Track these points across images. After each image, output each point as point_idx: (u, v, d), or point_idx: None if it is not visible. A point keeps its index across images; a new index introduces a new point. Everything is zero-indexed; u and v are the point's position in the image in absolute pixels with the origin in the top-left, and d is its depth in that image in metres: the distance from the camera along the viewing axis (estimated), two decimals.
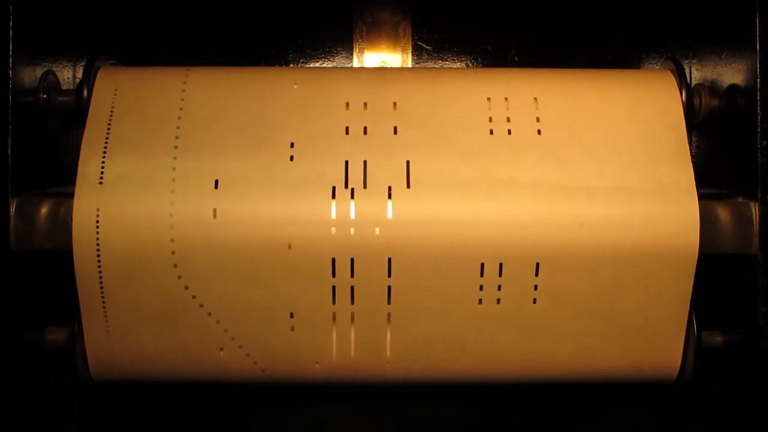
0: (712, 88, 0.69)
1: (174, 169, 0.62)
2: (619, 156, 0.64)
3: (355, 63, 0.81)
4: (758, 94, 0.62)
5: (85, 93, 0.66)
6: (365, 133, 0.64)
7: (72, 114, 0.67)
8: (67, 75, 0.72)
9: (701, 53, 0.72)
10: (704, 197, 0.63)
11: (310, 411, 0.79)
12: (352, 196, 0.62)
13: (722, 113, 0.67)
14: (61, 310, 0.66)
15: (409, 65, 0.80)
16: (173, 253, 0.61)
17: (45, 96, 0.66)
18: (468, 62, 0.81)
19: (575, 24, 0.81)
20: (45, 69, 0.67)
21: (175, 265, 0.61)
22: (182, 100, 0.65)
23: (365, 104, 0.65)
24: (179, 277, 0.61)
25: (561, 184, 0.62)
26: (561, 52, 0.80)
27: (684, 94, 0.67)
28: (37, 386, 0.68)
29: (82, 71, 0.68)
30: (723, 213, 0.64)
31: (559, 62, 0.77)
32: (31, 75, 0.65)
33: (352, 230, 0.61)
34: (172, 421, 0.79)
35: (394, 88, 0.66)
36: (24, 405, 0.65)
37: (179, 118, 0.64)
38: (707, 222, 0.63)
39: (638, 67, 0.80)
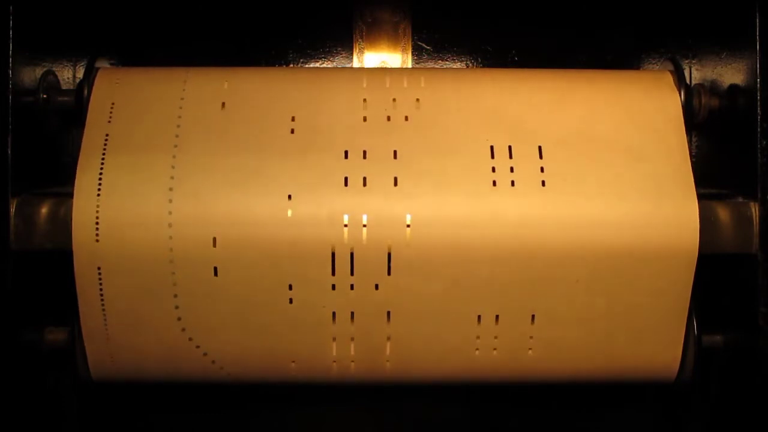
0: (711, 88, 0.69)
1: (173, 167, 0.62)
2: (619, 156, 0.64)
3: (355, 63, 0.81)
4: (758, 94, 0.62)
5: (85, 93, 0.66)
6: (365, 185, 0.63)
7: (72, 114, 0.67)
8: (67, 75, 0.72)
9: (701, 53, 0.72)
10: (704, 197, 0.63)
11: (310, 411, 0.79)
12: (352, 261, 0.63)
13: (722, 113, 0.67)
14: (61, 310, 0.66)
15: (409, 65, 0.80)
16: (171, 250, 0.61)
17: (45, 96, 0.66)
18: (468, 62, 0.81)
19: (575, 24, 0.81)
20: (45, 69, 0.67)
21: (171, 261, 0.61)
22: (182, 99, 0.65)
23: (365, 152, 0.64)
24: (172, 268, 0.61)
25: (560, 183, 0.62)
26: (561, 52, 0.80)
27: (683, 94, 0.67)
28: (37, 386, 0.68)
29: (82, 71, 0.68)
30: (723, 213, 0.64)
31: (559, 62, 0.77)
32: (31, 75, 0.65)
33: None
34: (172, 421, 0.79)
35: (394, 135, 0.64)
36: (24, 405, 0.65)
37: (179, 116, 0.64)
38: (707, 222, 0.63)
39: (638, 67, 0.80)
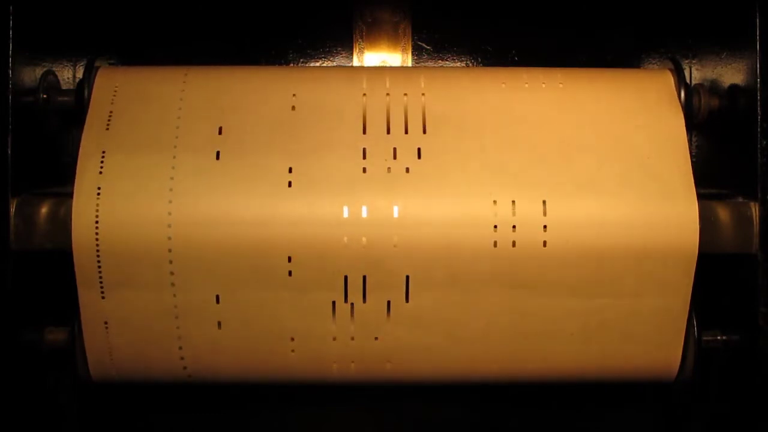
0: (711, 88, 0.69)
1: (173, 168, 0.62)
2: (619, 156, 0.64)
3: (355, 63, 0.81)
4: (758, 94, 0.62)
5: (85, 93, 0.66)
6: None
7: (72, 114, 0.67)
8: (67, 75, 0.72)
9: (701, 53, 0.72)
10: (704, 197, 0.63)
11: (310, 411, 0.79)
12: (352, 313, 0.63)
13: (722, 113, 0.67)
14: (61, 310, 0.66)
15: (409, 65, 0.80)
16: (170, 251, 0.61)
17: (45, 96, 0.66)
18: (468, 62, 0.81)
19: (575, 24, 0.81)
20: (45, 69, 0.67)
21: (171, 261, 0.61)
22: (181, 99, 0.65)
23: (365, 210, 0.63)
24: (171, 268, 0.61)
25: (560, 183, 0.62)
26: (561, 52, 0.80)
27: (683, 94, 0.67)
28: (37, 386, 0.68)
29: (82, 71, 0.68)
30: (723, 213, 0.64)
31: (559, 62, 0.77)
32: (31, 75, 0.65)
33: None
34: (171, 421, 0.79)
35: (395, 190, 0.63)
36: (24, 405, 0.65)
37: (178, 117, 0.64)
38: (707, 222, 0.63)
39: (638, 67, 0.80)
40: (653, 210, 0.62)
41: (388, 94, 0.65)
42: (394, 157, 0.63)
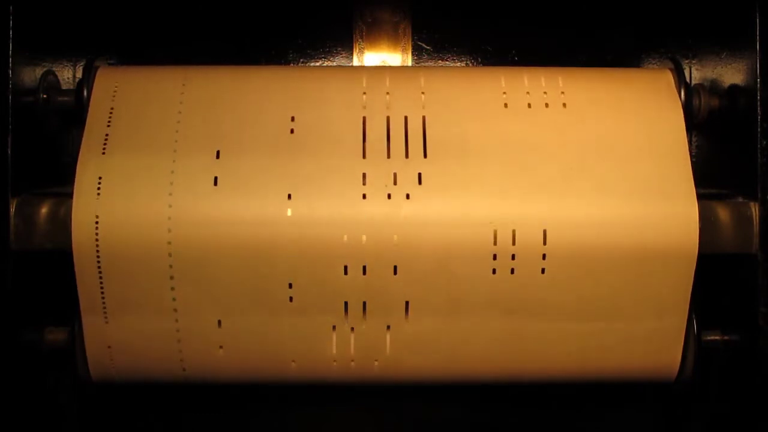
0: (711, 88, 0.69)
1: (173, 167, 0.62)
2: (619, 156, 0.64)
3: (355, 63, 0.81)
4: (758, 94, 0.62)
5: (85, 93, 0.66)
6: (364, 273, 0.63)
7: (72, 114, 0.67)
8: (67, 75, 0.72)
9: (701, 53, 0.72)
10: (704, 197, 0.63)
11: (310, 411, 0.79)
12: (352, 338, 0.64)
13: (722, 113, 0.67)
14: (61, 310, 0.66)
15: (409, 65, 0.80)
16: (170, 251, 0.61)
17: (45, 96, 0.66)
18: (468, 62, 0.81)
19: (575, 24, 0.81)
20: (45, 69, 0.67)
21: (170, 263, 0.61)
22: (181, 99, 0.65)
23: (364, 238, 0.63)
24: (171, 268, 0.61)
25: (561, 184, 0.62)
26: (561, 52, 0.80)
27: (683, 94, 0.67)
28: (37, 386, 0.68)
29: (81, 71, 0.68)
30: (723, 213, 0.64)
31: (559, 62, 0.77)
32: (31, 75, 0.65)
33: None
34: (171, 421, 0.79)
35: (396, 218, 0.62)
36: (24, 405, 0.65)
37: (179, 116, 0.64)
38: (707, 222, 0.63)
39: (638, 67, 0.80)
40: (653, 210, 0.62)
41: (388, 117, 0.64)
42: (395, 183, 0.62)
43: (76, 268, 0.61)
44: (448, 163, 0.63)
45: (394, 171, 0.62)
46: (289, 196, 0.62)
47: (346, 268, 0.62)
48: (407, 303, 0.63)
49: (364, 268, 0.62)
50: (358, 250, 0.62)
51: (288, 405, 0.78)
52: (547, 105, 0.66)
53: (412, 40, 0.81)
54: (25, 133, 0.63)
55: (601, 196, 0.62)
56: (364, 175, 0.62)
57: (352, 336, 0.64)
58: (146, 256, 0.61)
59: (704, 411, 0.72)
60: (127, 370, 0.66)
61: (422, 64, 0.81)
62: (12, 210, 0.62)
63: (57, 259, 0.62)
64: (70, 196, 0.62)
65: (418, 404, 0.78)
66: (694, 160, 0.69)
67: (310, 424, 0.79)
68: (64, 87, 0.70)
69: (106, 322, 0.63)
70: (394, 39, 0.81)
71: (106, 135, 0.64)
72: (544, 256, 0.62)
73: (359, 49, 0.80)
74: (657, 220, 0.62)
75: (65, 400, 0.73)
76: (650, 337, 0.65)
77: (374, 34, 0.81)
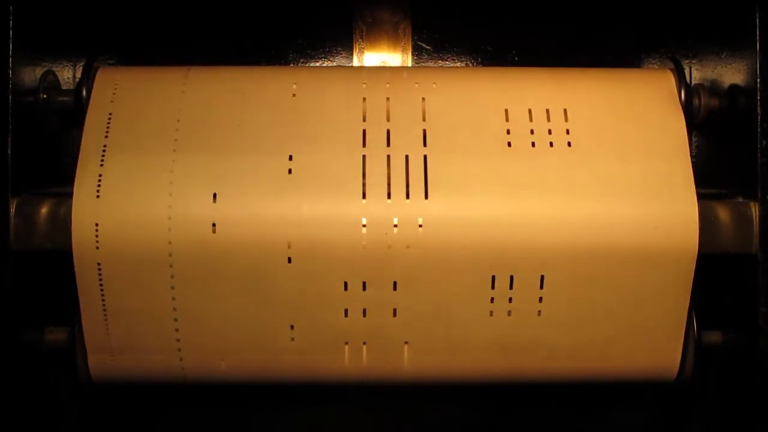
0: (711, 88, 0.69)
1: (173, 168, 0.62)
2: (619, 156, 0.64)
3: (355, 63, 0.81)
4: (758, 94, 0.62)
5: (85, 93, 0.66)
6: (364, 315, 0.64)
7: (72, 114, 0.67)
8: (67, 75, 0.72)
9: (701, 53, 0.72)
10: (704, 197, 0.63)
11: (310, 411, 0.79)
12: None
13: (722, 113, 0.67)
14: (61, 310, 0.66)
15: (410, 65, 0.80)
16: (170, 251, 0.61)
17: (45, 96, 0.66)
18: (468, 62, 0.81)
19: (575, 24, 0.81)
20: (45, 69, 0.67)
21: (171, 263, 0.61)
22: (182, 101, 0.65)
23: (364, 284, 0.63)
24: (171, 268, 0.62)
25: (560, 184, 0.62)
26: (561, 52, 0.80)
27: (683, 94, 0.67)
28: (37, 386, 0.68)
29: (81, 71, 0.68)
30: (723, 213, 0.64)
31: (559, 62, 0.77)
32: (31, 75, 0.65)
33: None
34: (171, 421, 0.79)
35: (395, 266, 0.63)
36: (24, 405, 0.65)
37: (178, 116, 0.64)
38: (707, 222, 0.63)
39: (638, 67, 0.80)
40: (653, 210, 0.62)
41: (389, 156, 0.63)
42: (395, 228, 0.62)
43: (76, 268, 0.61)
44: (448, 206, 0.62)
45: (395, 215, 0.62)
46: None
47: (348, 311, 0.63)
48: (406, 343, 0.64)
49: (364, 311, 0.63)
50: (359, 295, 0.63)
51: (288, 405, 0.78)
52: (537, 117, 0.65)
53: (412, 40, 0.81)
54: (25, 133, 0.63)
55: (601, 196, 0.62)
56: (364, 220, 0.62)
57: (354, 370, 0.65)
58: (146, 256, 0.61)
59: (704, 411, 0.72)
60: (127, 370, 0.66)
61: (422, 64, 0.81)
62: (12, 210, 0.62)
63: (57, 259, 0.62)
64: (70, 196, 0.62)
65: (418, 404, 0.78)
66: (694, 160, 0.69)
67: (310, 424, 0.79)
68: (64, 87, 0.70)
69: (106, 322, 0.63)
70: (394, 39, 0.81)
71: (106, 135, 0.64)
72: (540, 299, 0.63)
73: (359, 49, 0.81)
74: (657, 220, 0.62)
75: (65, 400, 0.73)
76: (650, 337, 0.65)
77: (374, 34, 0.81)
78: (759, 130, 0.62)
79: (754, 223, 0.63)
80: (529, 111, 0.65)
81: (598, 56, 0.81)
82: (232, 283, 0.62)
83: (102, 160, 0.63)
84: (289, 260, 0.62)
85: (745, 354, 0.64)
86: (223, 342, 0.64)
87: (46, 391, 0.70)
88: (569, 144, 0.64)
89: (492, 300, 0.63)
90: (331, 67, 0.80)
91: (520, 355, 0.65)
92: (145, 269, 0.62)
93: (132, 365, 0.65)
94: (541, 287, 0.63)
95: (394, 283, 0.63)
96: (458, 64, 0.81)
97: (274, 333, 0.64)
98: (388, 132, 0.64)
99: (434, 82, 0.66)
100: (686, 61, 0.73)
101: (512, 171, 0.63)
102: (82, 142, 0.63)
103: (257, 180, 0.62)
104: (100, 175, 0.62)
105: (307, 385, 0.68)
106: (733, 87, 0.66)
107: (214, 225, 0.61)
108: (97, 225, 0.61)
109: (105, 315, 0.63)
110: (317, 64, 0.81)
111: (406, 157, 0.63)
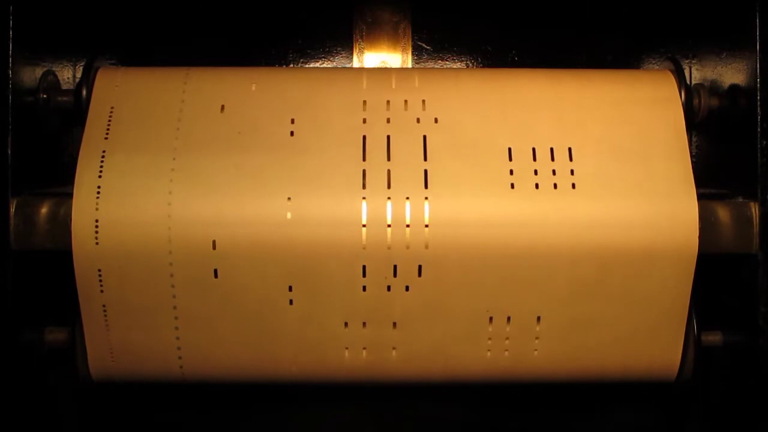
0: (711, 88, 0.69)
1: (173, 168, 0.62)
2: (619, 156, 0.64)
3: (355, 63, 0.81)
4: (758, 94, 0.62)
5: (85, 93, 0.66)
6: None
7: (72, 114, 0.67)
8: (67, 75, 0.72)
9: (701, 53, 0.72)
10: (704, 197, 0.63)
11: (310, 411, 0.79)
12: None
13: (722, 113, 0.67)
14: (61, 310, 0.66)
15: (409, 65, 0.80)
16: (170, 251, 0.61)
17: (45, 96, 0.66)
18: (468, 62, 0.81)
19: (575, 24, 0.81)
20: (45, 69, 0.67)
21: (170, 262, 0.61)
22: (182, 99, 0.65)
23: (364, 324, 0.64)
24: (171, 268, 0.62)
25: (560, 184, 0.62)
26: (561, 52, 0.80)
27: (683, 94, 0.67)
28: (37, 386, 0.68)
29: (82, 71, 0.68)
30: (723, 213, 0.64)
31: (559, 62, 0.77)
32: (31, 75, 0.65)
33: None
34: (172, 420, 0.79)
35: (395, 308, 0.63)
36: (24, 405, 0.65)
37: (179, 117, 0.64)
38: (707, 222, 0.63)
39: (638, 67, 0.80)
40: (653, 210, 0.62)
41: (389, 197, 0.62)
42: (395, 275, 0.62)
43: (76, 269, 0.61)
44: (447, 252, 0.62)
45: (395, 263, 0.62)
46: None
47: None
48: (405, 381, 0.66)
49: (364, 350, 0.64)
50: (358, 335, 0.64)
51: (288, 405, 0.78)
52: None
53: (412, 40, 0.81)
54: (25, 133, 0.63)
55: (601, 196, 0.62)
56: (364, 267, 0.62)
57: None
58: (146, 256, 0.61)
59: (704, 411, 0.72)
60: (127, 370, 0.66)
61: (422, 64, 0.81)
62: (12, 210, 0.62)
63: (57, 259, 0.62)
64: (70, 196, 0.62)
65: (418, 404, 0.78)
66: (694, 160, 0.69)
67: (310, 424, 0.79)
68: (64, 87, 0.70)
69: (106, 322, 0.63)
70: (394, 39, 0.81)
71: (107, 135, 0.64)
72: (537, 338, 0.64)
73: (359, 49, 0.81)
74: (657, 220, 0.62)
75: (65, 400, 0.73)
76: (650, 337, 0.65)
77: (374, 34, 0.81)
78: (759, 130, 0.62)
79: (754, 223, 0.63)
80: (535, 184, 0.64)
81: (598, 56, 0.81)
82: (235, 283, 0.62)
83: (102, 161, 0.63)
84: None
85: (745, 354, 0.64)
86: (222, 342, 0.64)
87: (46, 391, 0.70)
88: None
89: (489, 339, 0.64)
90: (330, 67, 0.80)
91: (520, 354, 0.65)
92: (145, 269, 0.62)
93: (132, 365, 0.65)
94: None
95: (394, 323, 0.64)
96: (458, 64, 0.81)
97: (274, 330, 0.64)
98: (389, 172, 0.62)
99: (436, 117, 0.65)
100: (686, 61, 0.73)
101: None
102: (83, 142, 0.63)
103: (258, 180, 0.62)
104: (101, 176, 0.62)
105: (308, 385, 0.68)
106: (733, 87, 0.66)
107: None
108: (97, 225, 0.61)
109: (105, 315, 0.63)
110: (317, 64, 0.81)
111: (407, 198, 0.62)
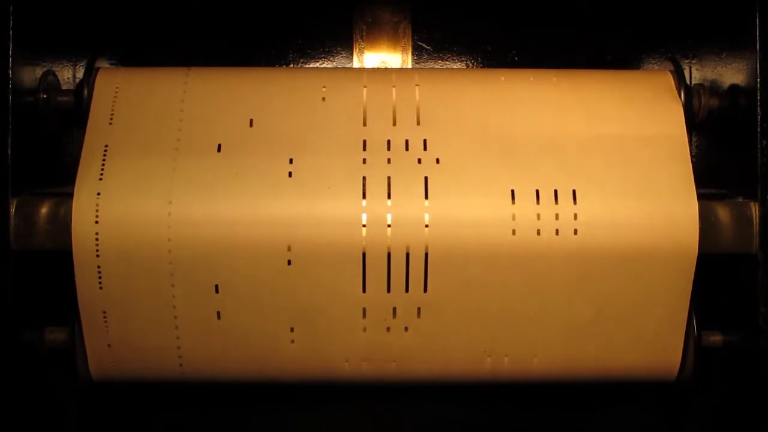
0: (711, 88, 0.69)
1: (174, 170, 0.62)
2: (619, 156, 0.64)
3: (355, 63, 0.81)
4: (758, 94, 0.62)
5: (85, 93, 0.66)
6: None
7: (72, 114, 0.67)
8: (67, 75, 0.72)
9: (701, 53, 0.72)
10: (704, 197, 0.63)
11: (310, 411, 0.79)
12: None
13: (722, 113, 0.67)
14: (61, 310, 0.66)
15: (409, 65, 0.80)
16: (170, 251, 0.61)
17: (45, 96, 0.66)
18: (468, 62, 0.81)
19: (575, 24, 0.81)
20: (45, 69, 0.67)
21: (170, 262, 0.61)
22: (183, 100, 0.65)
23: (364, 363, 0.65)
24: (171, 268, 0.61)
25: (560, 184, 0.62)
26: (561, 52, 0.80)
27: (683, 94, 0.67)
28: (37, 386, 0.68)
29: (82, 71, 0.68)
30: (723, 213, 0.64)
31: (559, 62, 0.77)
32: (31, 75, 0.65)
33: None
34: (172, 420, 0.79)
35: (394, 348, 0.64)
36: (24, 405, 0.65)
37: (180, 117, 0.64)
38: (707, 222, 0.63)
39: (638, 68, 0.80)
40: (653, 210, 0.62)
41: (389, 253, 0.62)
42: (394, 316, 0.63)
43: (76, 268, 0.61)
44: (447, 295, 0.62)
45: (394, 305, 0.63)
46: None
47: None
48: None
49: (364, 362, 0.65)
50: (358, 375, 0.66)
51: (288, 405, 0.78)
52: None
53: (412, 40, 0.81)
54: (25, 133, 0.63)
55: (601, 196, 0.62)
56: (364, 310, 0.63)
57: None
58: (146, 257, 0.61)
59: (704, 411, 0.72)
60: (127, 370, 0.66)
61: (422, 64, 0.81)
62: (12, 210, 0.62)
63: (57, 259, 0.62)
64: (70, 196, 0.62)
65: (418, 404, 0.78)
66: (694, 160, 0.69)
67: (310, 424, 0.79)
68: (64, 87, 0.70)
69: (106, 322, 0.63)
70: (394, 39, 0.81)
71: (108, 135, 0.64)
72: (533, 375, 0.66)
73: (359, 49, 0.81)
74: (657, 220, 0.62)
75: (65, 400, 0.73)
76: (650, 337, 0.65)
77: (374, 34, 0.81)
78: (759, 130, 0.62)
79: (754, 223, 0.63)
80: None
81: (598, 56, 0.81)
82: (235, 282, 0.62)
83: (103, 161, 0.63)
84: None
85: (745, 354, 0.64)
86: (222, 342, 0.64)
87: (46, 391, 0.70)
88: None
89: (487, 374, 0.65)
90: (330, 68, 0.80)
91: (520, 354, 0.65)
92: (145, 269, 0.62)
93: (132, 365, 0.65)
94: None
95: (394, 365, 0.65)
96: (458, 64, 0.81)
97: (275, 329, 0.64)
98: (389, 219, 0.62)
99: (438, 157, 0.63)
100: (686, 61, 0.73)
101: None
102: (84, 143, 0.63)
103: (259, 180, 0.62)
104: (101, 176, 0.62)
105: (308, 384, 0.68)
106: (733, 87, 0.66)
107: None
108: (97, 225, 0.61)
109: (105, 315, 0.63)
110: (317, 64, 0.81)
111: (407, 253, 0.62)
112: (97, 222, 0.61)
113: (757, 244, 0.63)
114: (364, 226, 0.61)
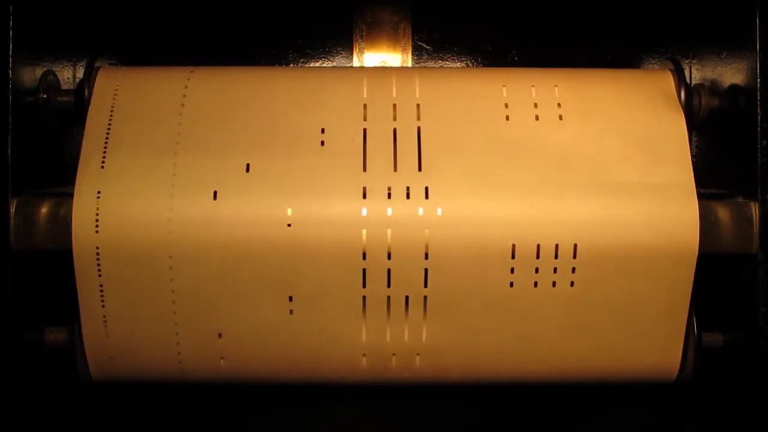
0: (711, 88, 0.69)
1: (174, 168, 0.62)
2: (619, 156, 0.64)
3: (355, 63, 0.81)
4: (758, 94, 0.62)
5: (86, 93, 0.66)
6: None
7: (72, 114, 0.67)
8: (67, 75, 0.72)
9: (701, 53, 0.72)
10: (704, 197, 0.63)
11: (310, 411, 0.79)
12: None
13: (722, 113, 0.67)
14: (61, 310, 0.66)
15: (409, 65, 0.80)
16: (170, 251, 0.61)
17: (45, 96, 0.66)
18: (468, 62, 0.81)
19: (575, 24, 0.81)
20: (45, 69, 0.67)
21: (170, 266, 0.61)
22: (182, 104, 0.65)
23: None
24: (171, 269, 0.61)
25: (560, 184, 0.62)
26: (561, 52, 0.80)
27: (683, 94, 0.67)
28: (37, 386, 0.68)
29: (82, 71, 0.68)
30: (723, 213, 0.64)
31: (559, 62, 0.77)
32: (31, 75, 0.65)
33: None
34: (172, 420, 0.79)
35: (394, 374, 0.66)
36: (24, 405, 0.65)
37: (180, 116, 0.64)
38: (707, 222, 0.63)
39: (638, 67, 0.80)
40: (653, 210, 0.62)
41: (389, 297, 0.63)
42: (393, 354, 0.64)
43: (76, 268, 0.61)
44: (446, 325, 0.63)
45: (393, 328, 0.64)
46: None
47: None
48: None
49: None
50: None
51: (288, 405, 0.78)
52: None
53: (412, 40, 0.81)
54: (25, 133, 0.63)
55: (601, 196, 0.62)
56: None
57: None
58: (146, 257, 0.61)
59: (704, 411, 0.72)
60: (127, 370, 0.66)
61: (422, 64, 0.81)
62: (12, 210, 0.62)
63: (57, 259, 0.62)
64: (70, 196, 0.62)
65: (418, 404, 0.78)
66: (694, 160, 0.69)
67: (310, 424, 0.79)
68: (64, 87, 0.70)
69: (106, 322, 0.63)
70: (394, 39, 0.81)
71: (107, 135, 0.64)
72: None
73: (359, 49, 0.81)
74: (657, 220, 0.62)
75: (65, 400, 0.73)
76: (650, 337, 0.65)
77: (374, 34, 0.81)
78: (759, 130, 0.62)
79: (754, 223, 0.63)
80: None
81: (598, 56, 0.81)
82: (235, 282, 0.62)
83: (103, 161, 0.63)
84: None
85: (745, 354, 0.64)
86: (222, 342, 0.64)
87: (46, 391, 0.70)
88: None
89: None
90: (330, 68, 0.80)
91: (520, 356, 0.65)
92: (145, 269, 0.62)
93: (132, 365, 0.65)
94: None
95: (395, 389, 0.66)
96: (458, 64, 0.81)
97: (274, 327, 0.64)
98: (389, 272, 0.62)
99: (440, 207, 0.62)
100: (686, 61, 0.73)
101: None
102: (84, 142, 0.63)
103: (262, 179, 0.62)
104: (101, 176, 0.62)
105: (308, 384, 0.68)
106: (733, 87, 0.66)
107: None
108: (97, 225, 0.61)
109: (105, 315, 0.63)
110: (317, 64, 0.81)
111: (407, 298, 0.62)
112: (97, 222, 0.61)
113: (757, 244, 0.63)
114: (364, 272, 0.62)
